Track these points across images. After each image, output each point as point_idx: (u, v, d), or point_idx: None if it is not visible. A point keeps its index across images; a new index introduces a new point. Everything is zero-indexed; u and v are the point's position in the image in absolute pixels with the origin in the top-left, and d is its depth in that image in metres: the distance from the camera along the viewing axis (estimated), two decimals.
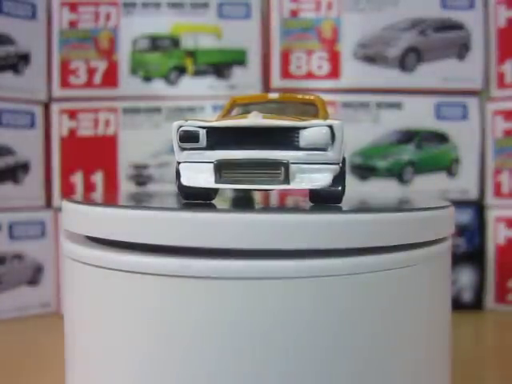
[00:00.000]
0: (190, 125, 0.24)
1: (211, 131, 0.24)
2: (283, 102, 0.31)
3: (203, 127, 0.24)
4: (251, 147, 0.24)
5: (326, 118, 0.28)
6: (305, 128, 0.23)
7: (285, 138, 0.24)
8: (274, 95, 0.31)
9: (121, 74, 0.54)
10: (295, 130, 0.23)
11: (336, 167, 0.24)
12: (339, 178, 0.24)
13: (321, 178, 0.24)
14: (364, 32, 0.54)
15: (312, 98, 0.30)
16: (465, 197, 0.54)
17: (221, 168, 0.24)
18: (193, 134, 0.24)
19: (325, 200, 0.25)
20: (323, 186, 0.24)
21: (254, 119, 0.24)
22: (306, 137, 0.23)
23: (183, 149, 0.25)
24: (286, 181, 0.23)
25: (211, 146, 0.24)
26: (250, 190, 0.29)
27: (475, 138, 0.54)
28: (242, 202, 0.29)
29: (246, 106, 0.31)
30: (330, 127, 0.23)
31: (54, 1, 0.54)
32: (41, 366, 0.39)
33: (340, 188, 0.25)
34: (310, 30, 0.54)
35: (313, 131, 0.23)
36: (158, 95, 0.54)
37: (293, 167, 0.23)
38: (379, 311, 0.22)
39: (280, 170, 0.23)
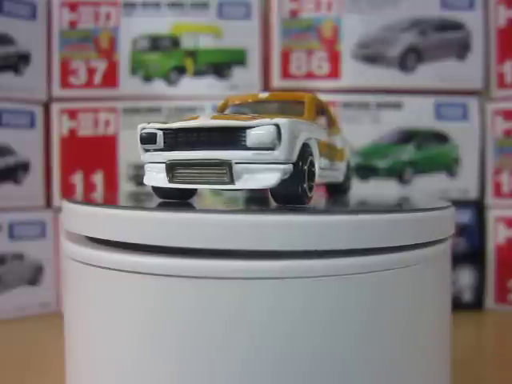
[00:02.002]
0: (149, 127, 0.25)
1: (168, 133, 0.25)
2: (283, 102, 0.31)
3: (161, 129, 0.25)
4: (202, 148, 0.24)
5: (310, 117, 0.28)
6: (252, 127, 0.23)
7: (233, 138, 0.24)
8: (263, 95, 0.31)
9: (121, 74, 0.54)
10: (242, 130, 0.23)
11: (286, 167, 0.23)
12: (297, 178, 0.24)
13: (267, 178, 0.23)
14: (364, 32, 0.54)
15: (299, 96, 0.30)
16: (465, 197, 0.54)
17: (172, 168, 0.24)
18: (151, 136, 0.25)
19: (286, 201, 0.25)
20: (268, 187, 0.23)
21: (203, 120, 0.24)
22: (252, 136, 0.23)
23: (146, 150, 0.26)
24: (231, 181, 0.23)
25: (169, 147, 0.25)
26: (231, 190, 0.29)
27: (475, 138, 0.54)
28: (248, 202, 0.29)
29: (246, 106, 0.32)
30: (277, 126, 0.23)
31: (54, 1, 0.54)
32: (41, 365, 0.39)
33: (300, 188, 0.24)
34: (310, 30, 0.54)
35: (259, 130, 0.23)
36: (158, 95, 0.54)
37: (238, 167, 0.23)
38: (379, 311, 0.22)
39: (225, 170, 0.23)
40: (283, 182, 0.23)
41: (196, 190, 0.27)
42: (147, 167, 0.26)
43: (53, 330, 0.45)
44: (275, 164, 0.23)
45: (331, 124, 0.35)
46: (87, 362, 0.24)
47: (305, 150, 0.24)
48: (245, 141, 0.23)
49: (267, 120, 0.23)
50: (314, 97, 0.30)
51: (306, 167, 0.24)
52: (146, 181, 0.26)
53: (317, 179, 0.27)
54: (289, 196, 0.24)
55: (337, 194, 0.35)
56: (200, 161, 0.24)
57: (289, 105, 0.30)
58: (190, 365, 0.21)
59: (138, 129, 0.26)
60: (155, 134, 0.25)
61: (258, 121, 0.23)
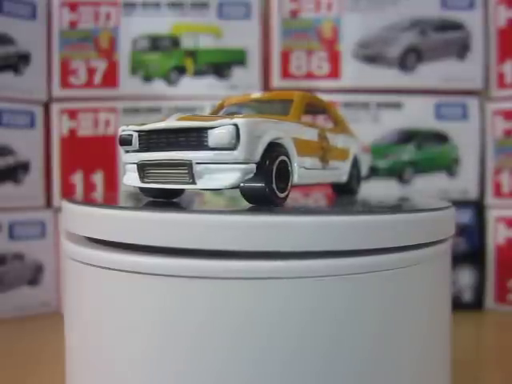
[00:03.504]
0: (127, 129, 0.26)
1: (142, 135, 0.26)
2: (274, 102, 0.31)
3: (136, 131, 0.26)
4: (170, 149, 0.24)
5: (295, 117, 0.28)
6: (213, 128, 0.23)
7: (197, 138, 0.24)
8: (255, 95, 0.32)
9: (121, 74, 0.54)
10: (204, 131, 0.23)
11: (247, 167, 0.23)
12: (263, 178, 0.24)
13: (227, 178, 0.23)
14: (364, 32, 0.54)
15: (289, 95, 0.30)
16: (465, 197, 0.54)
17: (142, 169, 0.25)
18: (127, 138, 0.26)
19: (255, 201, 0.24)
20: (228, 187, 0.23)
21: (169, 122, 0.25)
22: (213, 137, 0.23)
23: (126, 151, 0.27)
24: (193, 181, 0.24)
25: (143, 148, 0.26)
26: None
27: (475, 138, 0.54)
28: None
29: (241, 107, 0.32)
30: (236, 126, 0.23)
31: (54, 1, 0.54)
32: (41, 365, 0.39)
33: (266, 189, 0.24)
34: (309, 30, 0.54)
35: (218, 131, 0.23)
36: (158, 95, 0.54)
37: (199, 167, 0.24)
38: (379, 311, 0.22)
39: (186, 170, 0.24)
40: (249, 182, 0.24)
41: (183, 190, 0.28)
42: (127, 167, 0.27)
43: (53, 330, 0.45)
44: (235, 164, 0.23)
45: (335, 123, 0.35)
46: (87, 361, 0.24)
47: (274, 149, 0.24)
48: (207, 141, 0.23)
49: (227, 120, 0.23)
50: (305, 96, 0.30)
51: (273, 167, 0.24)
52: (124, 180, 0.27)
53: (301, 180, 0.27)
54: (256, 196, 0.24)
55: (342, 194, 0.35)
56: (164, 161, 0.24)
57: (279, 104, 0.30)
58: (191, 365, 0.21)
59: (119, 131, 0.27)
60: (131, 136, 0.26)
61: (218, 121, 0.23)
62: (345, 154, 0.33)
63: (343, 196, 0.35)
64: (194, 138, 0.24)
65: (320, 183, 0.31)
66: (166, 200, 0.28)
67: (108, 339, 0.23)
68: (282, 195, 0.25)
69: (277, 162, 0.25)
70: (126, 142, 0.26)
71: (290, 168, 0.26)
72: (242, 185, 0.24)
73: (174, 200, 0.28)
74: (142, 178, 0.26)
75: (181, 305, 0.21)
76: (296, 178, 0.26)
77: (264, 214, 0.21)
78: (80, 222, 0.25)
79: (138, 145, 0.26)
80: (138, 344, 0.22)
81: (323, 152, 0.30)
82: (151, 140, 0.25)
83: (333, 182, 0.33)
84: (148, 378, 0.22)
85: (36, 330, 0.48)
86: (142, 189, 0.28)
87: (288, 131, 0.26)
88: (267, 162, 0.24)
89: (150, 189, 0.27)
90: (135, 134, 0.26)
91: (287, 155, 0.26)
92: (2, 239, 0.51)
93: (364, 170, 0.37)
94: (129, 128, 0.26)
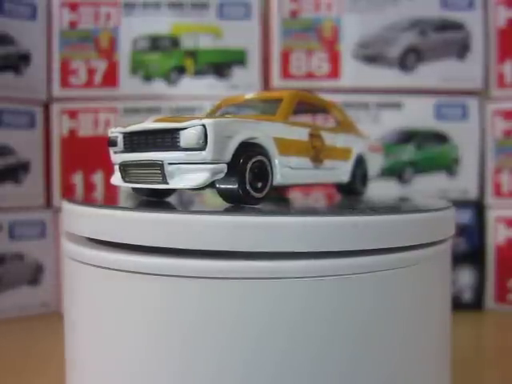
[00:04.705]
0: (115, 131, 0.27)
1: (126, 136, 0.26)
2: (267, 101, 0.31)
3: (121, 132, 0.27)
4: (149, 149, 0.25)
5: (282, 116, 0.28)
6: (184, 129, 0.23)
7: (171, 139, 0.24)
8: (249, 95, 0.32)
9: (121, 74, 0.54)
10: (177, 132, 0.24)
11: (217, 166, 0.23)
12: (235, 178, 0.24)
13: (195, 178, 0.24)
14: (364, 32, 0.54)
15: (279, 95, 0.30)
16: (465, 197, 0.54)
17: (124, 169, 0.26)
18: (113, 140, 0.27)
19: (231, 200, 0.25)
20: (196, 186, 0.23)
21: (146, 123, 0.25)
22: (184, 137, 0.23)
23: (115, 152, 0.27)
24: (165, 180, 0.24)
25: (127, 149, 0.26)
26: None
27: (475, 138, 0.54)
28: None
29: (237, 107, 0.32)
30: (203, 127, 0.23)
31: (54, 1, 0.54)
32: (41, 365, 0.39)
33: (239, 188, 0.24)
34: (310, 30, 0.54)
35: (187, 131, 0.23)
36: (158, 95, 0.54)
37: (171, 167, 0.24)
38: (379, 311, 0.22)
39: (158, 170, 0.24)
40: (223, 183, 0.24)
41: (175, 189, 0.28)
42: (115, 168, 0.28)
43: (53, 329, 0.46)
44: (204, 164, 0.23)
45: (337, 122, 0.34)
46: (87, 361, 0.24)
47: (249, 149, 0.24)
48: (179, 142, 0.24)
49: (196, 121, 0.23)
50: (296, 95, 0.30)
51: (247, 167, 0.24)
52: (111, 180, 0.28)
53: (286, 180, 0.27)
54: (230, 196, 0.24)
55: (346, 194, 0.35)
56: (141, 162, 0.25)
57: (273, 104, 0.30)
58: (190, 364, 0.21)
59: (108, 132, 0.27)
60: (116, 138, 0.27)
61: (189, 122, 0.23)
62: (346, 153, 0.33)
63: (345, 196, 0.34)
64: (169, 138, 0.24)
65: (314, 183, 0.30)
66: (163, 200, 0.28)
67: (107, 339, 0.23)
68: (257, 195, 0.25)
69: (251, 161, 0.24)
70: (113, 143, 0.27)
71: (269, 168, 0.26)
72: (217, 185, 0.24)
73: (172, 200, 0.28)
74: (124, 177, 0.27)
75: (180, 305, 0.21)
76: (279, 178, 0.26)
77: (263, 214, 0.21)
78: (80, 222, 0.25)
79: (122, 146, 0.26)
80: (137, 343, 0.22)
81: (315, 151, 0.29)
82: (133, 141, 0.26)
83: (331, 182, 0.33)
84: (149, 377, 0.22)
85: (36, 330, 0.49)
86: (133, 189, 0.28)
87: (267, 131, 0.26)
88: (241, 162, 0.24)
89: (140, 188, 0.28)
90: (120, 136, 0.26)
91: (266, 155, 0.25)
92: (2, 239, 0.51)
93: (374, 169, 0.36)
94: (116, 130, 0.27)
